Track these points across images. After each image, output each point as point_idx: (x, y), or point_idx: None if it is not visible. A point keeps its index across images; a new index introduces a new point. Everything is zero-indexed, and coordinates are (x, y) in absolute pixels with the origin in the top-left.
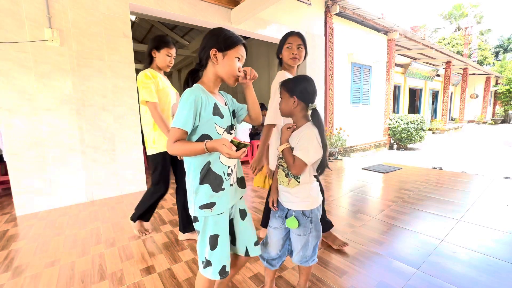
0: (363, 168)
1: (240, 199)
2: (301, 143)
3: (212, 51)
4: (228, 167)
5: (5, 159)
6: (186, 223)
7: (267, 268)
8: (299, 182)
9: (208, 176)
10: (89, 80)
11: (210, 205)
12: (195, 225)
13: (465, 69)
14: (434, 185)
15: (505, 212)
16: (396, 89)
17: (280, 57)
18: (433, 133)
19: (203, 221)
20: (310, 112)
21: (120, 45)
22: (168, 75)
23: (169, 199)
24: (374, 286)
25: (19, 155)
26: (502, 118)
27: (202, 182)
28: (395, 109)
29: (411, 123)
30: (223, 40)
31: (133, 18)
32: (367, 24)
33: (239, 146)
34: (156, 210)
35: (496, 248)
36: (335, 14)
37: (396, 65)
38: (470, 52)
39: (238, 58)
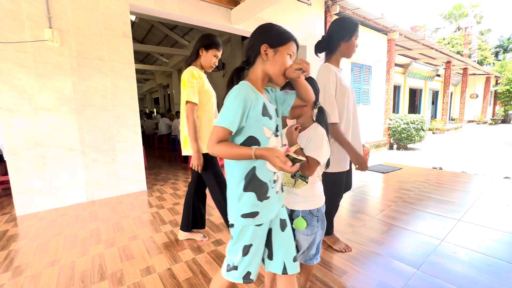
0: None
1: (282, 207)
2: (313, 143)
3: (263, 47)
4: (275, 173)
5: (5, 159)
6: (190, 223)
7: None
8: (307, 182)
9: (253, 183)
10: (89, 80)
11: (253, 215)
12: (231, 229)
13: (465, 69)
14: (434, 185)
15: (505, 212)
16: (396, 89)
17: (339, 44)
18: (433, 133)
19: (241, 229)
20: (315, 111)
21: (120, 45)
22: (168, 75)
23: (169, 199)
24: (374, 286)
25: (19, 155)
26: (502, 118)
27: (246, 189)
28: (395, 109)
29: (411, 123)
30: (275, 35)
31: (133, 18)
32: (367, 24)
33: (294, 161)
34: (156, 210)
35: (496, 248)
36: (335, 14)
37: (396, 65)
38: (470, 52)
39: (290, 55)
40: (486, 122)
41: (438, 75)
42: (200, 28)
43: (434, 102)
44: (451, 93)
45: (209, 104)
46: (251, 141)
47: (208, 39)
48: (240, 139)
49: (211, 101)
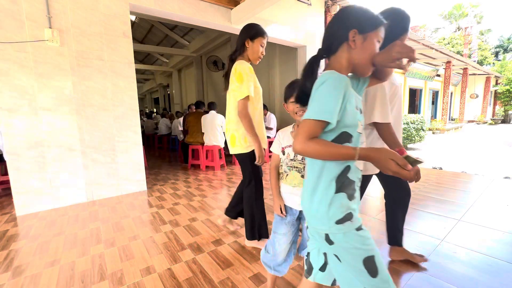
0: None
1: None
2: None
3: (352, 33)
4: (360, 171)
5: (5, 159)
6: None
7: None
8: None
9: (345, 184)
10: (89, 80)
11: (349, 217)
12: (332, 249)
13: (465, 69)
14: (434, 185)
15: (505, 212)
16: None
17: (400, 38)
18: (433, 133)
19: (343, 241)
20: None
21: (120, 45)
22: (168, 75)
23: (169, 199)
24: None
25: (19, 155)
26: (502, 118)
27: (337, 191)
28: None
29: (411, 123)
30: (365, 19)
31: (133, 18)
32: None
33: (413, 164)
34: (156, 210)
35: (496, 248)
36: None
37: None
38: (470, 52)
39: (379, 41)
40: (486, 122)
41: (438, 75)
42: (200, 28)
43: (434, 102)
44: (451, 93)
45: (259, 102)
46: (343, 138)
47: (252, 28)
48: (331, 135)
49: (261, 99)
